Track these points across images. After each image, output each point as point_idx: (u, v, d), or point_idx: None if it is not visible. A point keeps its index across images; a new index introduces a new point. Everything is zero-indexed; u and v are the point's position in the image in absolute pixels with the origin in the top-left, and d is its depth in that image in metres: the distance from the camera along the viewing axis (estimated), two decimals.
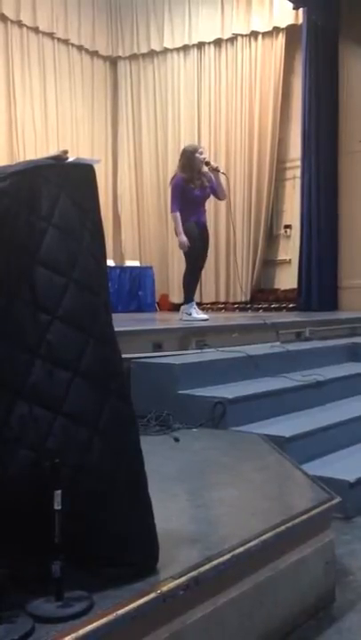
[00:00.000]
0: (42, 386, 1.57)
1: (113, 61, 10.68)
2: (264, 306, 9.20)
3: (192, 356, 4.46)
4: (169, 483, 2.53)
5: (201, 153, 5.91)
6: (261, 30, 9.30)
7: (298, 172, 8.84)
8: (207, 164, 5.91)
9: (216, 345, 4.74)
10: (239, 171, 9.39)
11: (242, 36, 9.50)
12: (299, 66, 8.86)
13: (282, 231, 9.47)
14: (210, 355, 4.49)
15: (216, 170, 5.94)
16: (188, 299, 6.07)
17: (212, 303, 9.58)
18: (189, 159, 5.85)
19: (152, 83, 10.40)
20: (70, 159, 1.72)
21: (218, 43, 9.76)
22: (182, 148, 6.24)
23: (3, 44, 9.06)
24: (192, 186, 5.80)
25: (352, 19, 8.35)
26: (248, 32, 9.42)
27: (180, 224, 5.77)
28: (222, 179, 6.05)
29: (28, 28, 9.26)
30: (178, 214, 5.79)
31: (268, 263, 9.55)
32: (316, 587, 2.22)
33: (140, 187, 10.50)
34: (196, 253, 5.96)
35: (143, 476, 1.69)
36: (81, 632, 1.40)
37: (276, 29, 9.20)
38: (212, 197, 6.11)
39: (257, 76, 9.39)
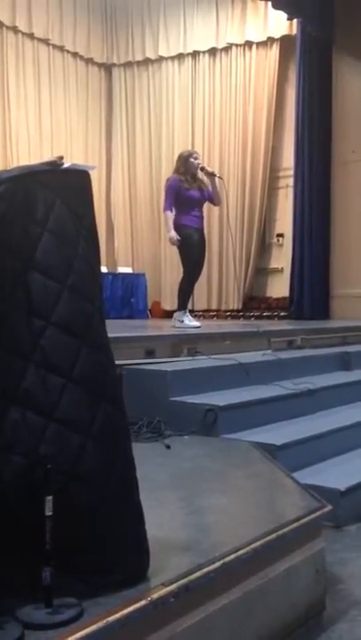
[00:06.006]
0: (35, 391, 1.57)
1: (108, 68, 10.70)
2: (256, 314, 9.21)
3: (184, 363, 4.46)
4: (160, 490, 2.52)
5: (196, 158, 5.93)
6: (256, 40, 9.35)
7: (291, 182, 8.88)
8: (202, 169, 5.94)
9: (208, 352, 4.74)
10: (232, 179, 9.41)
11: (236, 45, 9.55)
12: (292, 76, 8.92)
13: (274, 240, 9.50)
14: (202, 362, 4.49)
15: (212, 174, 5.96)
16: (182, 306, 6.08)
17: (205, 310, 9.57)
18: (184, 163, 5.88)
19: (147, 90, 10.43)
20: (65, 165, 1.73)
21: (212, 52, 9.80)
22: (176, 154, 6.27)
23: None
24: (187, 186, 5.82)
25: (346, 30, 8.41)
26: (242, 42, 9.47)
27: (171, 222, 5.80)
28: (218, 183, 6.06)
29: (23, 33, 9.26)
30: (169, 213, 5.81)
31: (261, 271, 9.57)
32: (306, 595, 2.22)
33: (134, 194, 10.52)
34: (194, 260, 5.98)
35: (135, 482, 1.69)
36: (70, 639, 1.39)
37: (271, 39, 9.25)
38: (206, 203, 6.13)
39: (251, 86, 9.44)
